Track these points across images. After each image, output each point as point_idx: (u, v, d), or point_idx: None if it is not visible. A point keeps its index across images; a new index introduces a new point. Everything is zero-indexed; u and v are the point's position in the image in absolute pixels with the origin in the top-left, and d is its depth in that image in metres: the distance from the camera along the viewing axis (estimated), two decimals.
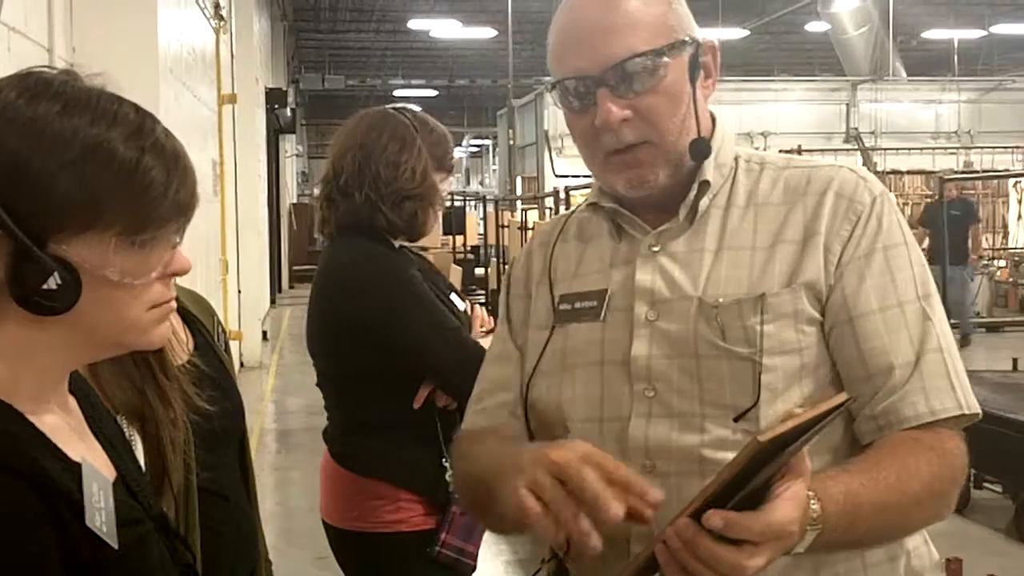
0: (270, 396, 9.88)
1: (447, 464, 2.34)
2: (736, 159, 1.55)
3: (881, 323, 1.42)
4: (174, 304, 1.18)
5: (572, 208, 1.68)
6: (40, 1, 4.54)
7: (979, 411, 1.43)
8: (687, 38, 1.47)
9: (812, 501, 1.22)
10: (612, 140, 1.45)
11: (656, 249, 1.50)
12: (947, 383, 1.41)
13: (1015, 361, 7.57)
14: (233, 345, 10.04)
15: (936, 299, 1.46)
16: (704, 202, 1.50)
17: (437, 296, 2.44)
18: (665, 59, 1.44)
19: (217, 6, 8.80)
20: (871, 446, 1.40)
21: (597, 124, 1.44)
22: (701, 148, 1.47)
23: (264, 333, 12.83)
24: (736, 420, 1.38)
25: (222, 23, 9.04)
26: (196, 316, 1.97)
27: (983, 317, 13.11)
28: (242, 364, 10.94)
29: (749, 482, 1.12)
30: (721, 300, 1.42)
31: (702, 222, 1.50)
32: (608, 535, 1.23)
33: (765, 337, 1.39)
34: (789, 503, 1.15)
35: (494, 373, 1.63)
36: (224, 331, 2.11)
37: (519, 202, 15.86)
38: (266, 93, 14.19)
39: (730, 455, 1.29)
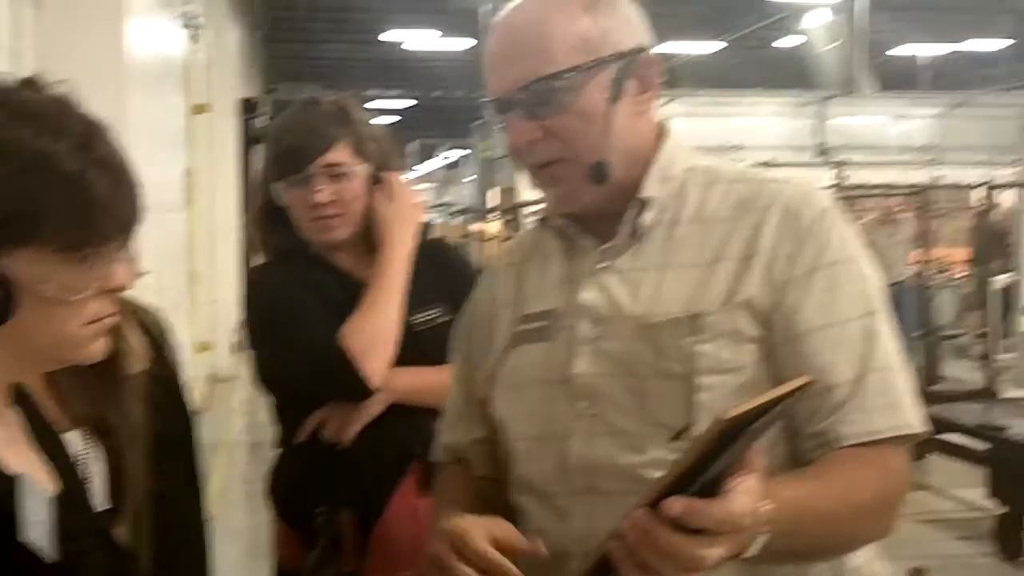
0: (241, 408, 9.83)
1: (319, 512, 2.14)
2: (689, 171, 1.51)
3: (823, 341, 1.39)
4: (113, 319, 1.16)
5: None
6: (4, 9, 4.52)
7: (923, 429, 1.41)
8: (611, 54, 1.43)
9: (764, 502, 1.19)
10: (528, 157, 1.46)
11: (602, 266, 1.48)
12: (887, 403, 1.39)
13: None
14: (205, 356, 10.01)
15: (883, 316, 1.43)
16: (648, 217, 1.47)
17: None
18: (575, 80, 1.41)
19: (190, 16, 8.77)
20: (814, 462, 1.39)
21: (508, 145, 1.46)
22: (598, 172, 1.43)
23: (236, 344, 12.76)
24: (672, 440, 1.37)
25: (195, 32, 9.02)
26: (150, 327, 1.97)
27: (950, 329, 13.15)
28: (214, 375, 10.88)
29: (709, 467, 1.10)
30: (658, 319, 1.40)
31: (648, 239, 1.47)
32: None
33: (701, 357, 1.38)
34: (744, 496, 1.14)
35: (459, 403, 1.65)
36: (173, 342, 2.10)
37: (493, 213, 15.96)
38: (241, 103, 14.13)
39: None
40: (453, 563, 1.31)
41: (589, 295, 1.47)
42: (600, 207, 1.47)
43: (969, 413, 6.32)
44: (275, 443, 2.34)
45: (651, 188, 1.47)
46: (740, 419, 1.07)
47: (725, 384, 1.38)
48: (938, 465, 6.99)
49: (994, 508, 5.63)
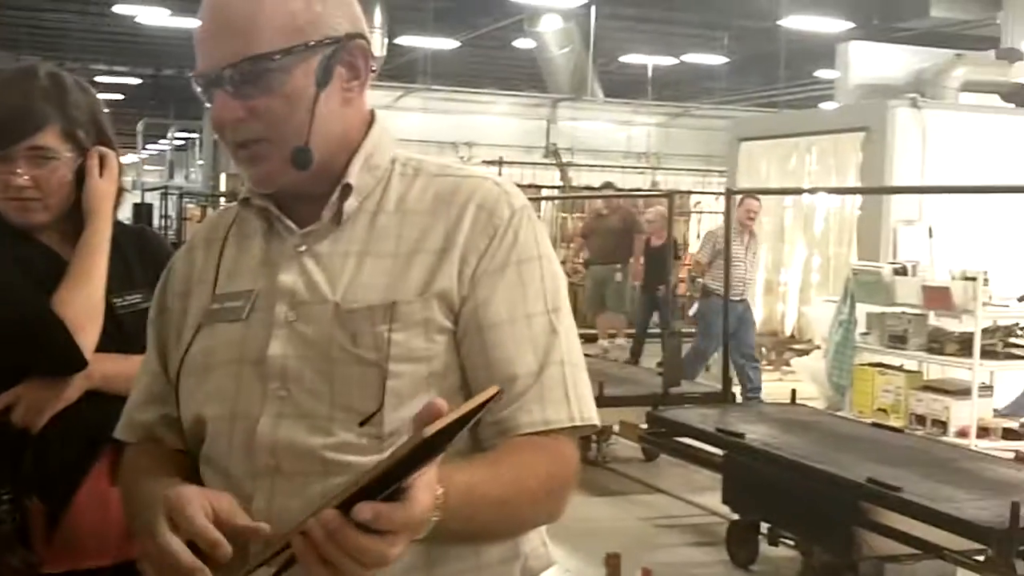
0: None
1: (3, 497, 2.05)
2: (393, 162, 1.54)
3: (508, 334, 1.46)
4: None
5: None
6: None
7: (595, 422, 1.49)
8: (321, 40, 1.44)
9: (437, 487, 1.24)
10: (230, 136, 1.47)
11: (302, 250, 1.49)
12: (563, 395, 1.46)
13: (793, 393, 7.03)
14: None
15: (565, 313, 1.50)
16: (351, 204, 1.50)
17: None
18: (282, 62, 1.42)
19: None
20: (493, 447, 1.44)
21: (211, 120, 1.49)
22: (302, 158, 1.45)
23: None
24: (361, 425, 1.41)
25: None
26: None
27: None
28: None
29: (404, 477, 1.16)
30: (355, 306, 1.44)
31: (349, 225, 1.49)
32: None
33: (393, 345, 1.42)
34: (425, 491, 1.20)
35: (147, 381, 1.64)
36: None
37: (223, 198, 15.74)
38: None
39: (353, 458, 1.39)
40: (162, 531, 1.30)
41: (288, 278, 1.48)
42: (302, 189, 1.50)
43: (706, 418, 6.26)
44: None
45: (355, 175, 1.50)
46: (441, 433, 1.16)
47: (416, 372, 1.43)
48: (676, 468, 7.24)
49: (728, 514, 5.67)
